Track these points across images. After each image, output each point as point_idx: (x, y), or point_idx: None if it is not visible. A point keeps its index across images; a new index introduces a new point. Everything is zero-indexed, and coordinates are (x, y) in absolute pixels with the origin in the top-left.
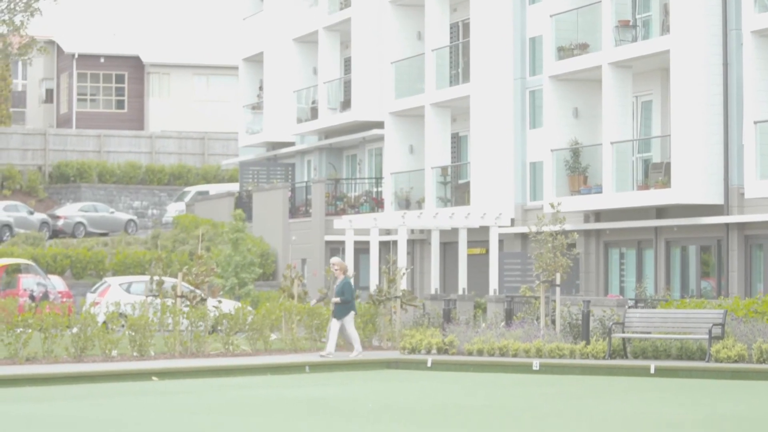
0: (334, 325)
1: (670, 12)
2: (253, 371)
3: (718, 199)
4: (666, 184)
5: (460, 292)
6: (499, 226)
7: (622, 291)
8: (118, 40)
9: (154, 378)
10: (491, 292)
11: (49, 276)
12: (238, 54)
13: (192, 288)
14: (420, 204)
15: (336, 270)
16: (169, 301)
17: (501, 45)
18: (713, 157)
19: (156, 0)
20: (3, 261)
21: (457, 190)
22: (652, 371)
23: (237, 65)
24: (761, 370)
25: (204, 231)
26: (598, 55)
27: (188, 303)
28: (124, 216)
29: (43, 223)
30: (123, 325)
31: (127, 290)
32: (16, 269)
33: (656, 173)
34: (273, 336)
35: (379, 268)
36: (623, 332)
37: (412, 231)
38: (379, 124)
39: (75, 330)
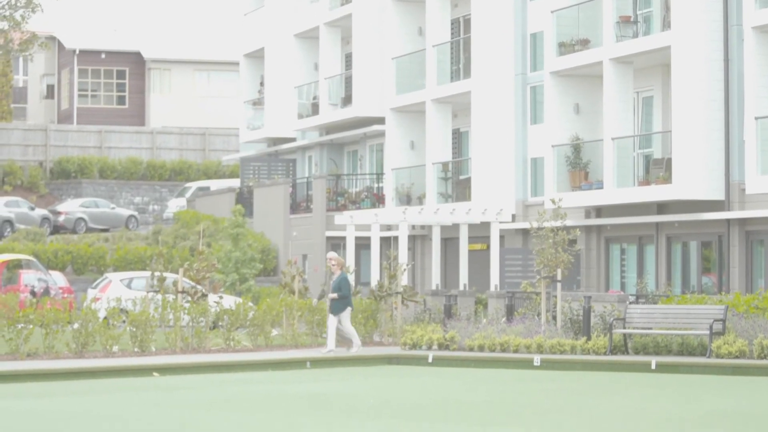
0: (332, 320)
1: (671, 8)
2: (254, 367)
3: (719, 195)
4: (667, 179)
5: (461, 287)
6: (500, 222)
7: (623, 287)
8: (119, 35)
9: (155, 374)
10: (492, 288)
11: (50, 272)
12: (239, 50)
13: (193, 284)
14: (421, 200)
15: (333, 265)
16: (170, 297)
17: (502, 41)
18: (714, 152)
19: None
20: (4, 257)
21: (458, 186)
22: (653, 367)
23: (238, 61)
24: (762, 365)
25: (205, 227)
26: (599, 50)
27: (189, 299)
28: (125, 212)
29: (44, 218)
30: (124, 321)
31: (128, 286)
32: (17, 265)
33: (657, 169)
34: (274, 332)
35: (380, 264)
36: (624, 328)
37: (413, 227)
38: (380, 120)
39: (76, 326)
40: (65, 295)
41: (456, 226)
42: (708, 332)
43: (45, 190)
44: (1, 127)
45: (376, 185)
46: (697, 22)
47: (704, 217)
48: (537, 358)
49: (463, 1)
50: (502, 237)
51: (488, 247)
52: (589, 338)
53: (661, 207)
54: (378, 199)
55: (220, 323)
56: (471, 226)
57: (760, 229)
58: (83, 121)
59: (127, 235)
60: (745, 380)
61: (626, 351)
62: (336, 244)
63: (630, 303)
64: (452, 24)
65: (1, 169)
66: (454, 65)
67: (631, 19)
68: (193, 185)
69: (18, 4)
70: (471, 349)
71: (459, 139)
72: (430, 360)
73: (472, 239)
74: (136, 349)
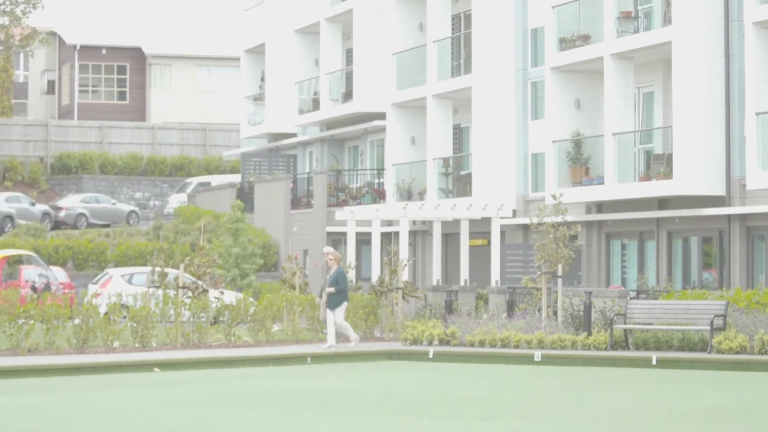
0: (329, 315)
1: (672, 3)
2: (255, 362)
3: (719, 191)
4: (668, 175)
5: (462, 283)
6: (501, 218)
7: (623, 282)
8: (119, 31)
9: (155, 369)
10: (493, 284)
11: (51, 267)
12: (240, 45)
13: (194, 279)
14: (422, 195)
15: (331, 260)
16: (171, 293)
17: (503, 36)
18: (715, 148)
19: None
20: (5, 252)
21: (458, 182)
22: (654, 362)
23: (239, 56)
24: (763, 361)
25: (206, 222)
26: (600, 46)
27: (190, 294)
28: (125, 207)
29: (45, 214)
30: (125, 317)
31: (129, 281)
32: (18, 260)
33: (658, 164)
34: (275, 327)
35: (381, 260)
36: (625, 323)
37: (414, 222)
38: (381, 116)
39: (77, 321)
40: (66, 291)
41: (457, 222)
42: (709, 328)
43: (46, 185)
44: (2, 123)
45: (376, 181)
46: (698, 18)
47: (705, 212)
48: (538, 354)
49: None
50: (502, 232)
51: (489, 242)
52: (589, 334)
53: (662, 202)
54: (379, 195)
55: (220, 319)
56: (472, 222)
57: (760, 224)
58: (84, 117)
59: (128, 231)
60: (745, 376)
61: (627, 346)
62: (337, 239)
63: (631, 298)
64: (453, 19)
65: (2, 165)
66: (454, 61)
67: (632, 15)
68: (194, 181)
69: (19, 0)
70: (472, 345)
71: (460, 134)
72: (430, 355)
73: (472, 235)
74: (136, 345)
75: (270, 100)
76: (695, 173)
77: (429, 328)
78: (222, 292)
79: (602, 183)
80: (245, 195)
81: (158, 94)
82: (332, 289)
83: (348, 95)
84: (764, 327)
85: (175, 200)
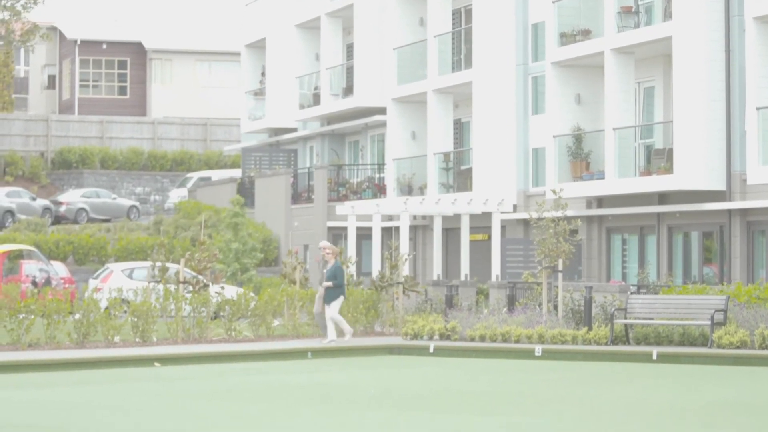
0: (327, 310)
1: None
2: (256, 357)
3: (720, 185)
4: (668, 170)
5: (463, 278)
6: (502, 212)
7: (624, 277)
8: (120, 26)
9: (156, 364)
10: (493, 278)
11: (52, 262)
12: (241, 40)
13: (194, 274)
14: (422, 190)
15: (328, 254)
16: (172, 287)
17: (503, 31)
18: (715, 143)
19: None
20: (5, 247)
21: (459, 176)
22: (655, 357)
23: (239, 51)
24: (763, 356)
25: (206, 217)
26: (601, 41)
27: (191, 289)
28: (126, 202)
29: (46, 209)
30: (125, 311)
31: (130, 276)
32: (19, 255)
33: (658, 159)
34: (275, 322)
35: (382, 254)
36: (625, 318)
37: (415, 217)
38: (382, 110)
39: (77, 316)
40: (66, 286)
41: (457, 217)
42: (709, 322)
43: (46, 180)
44: (3, 118)
45: (377, 175)
46: (699, 13)
47: (705, 207)
48: (538, 349)
49: None
50: (503, 227)
51: (489, 237)
52: (590, 328)
53: (663, 197)
54: (379, 190)
55: (221, 313)
56: (472, 217)
57: (761, 219)
58: (84, 112)
59: (129, 226)
60: (746, 370)
61: (627, 341)
62: (337, 234)
63: (631, 293)
64: (453, 14)
65: (3, 160)
66: (455, 55)
67: (633, 10)
68: (195, 175)
69: None
70: (472, 340)
71: (460, 129)
72: (431, 350)
73: (473, 229)
74: (137, 340)
75: (270, 94)
76: (696, 168)
77: (429, 323)
78: (222, 287)
79: (603, 178)
80: (246, 190)
81: (159, 89)
82: (330, 283)
83: (348, 90)
84: (765, 322)
85: (176, 195)
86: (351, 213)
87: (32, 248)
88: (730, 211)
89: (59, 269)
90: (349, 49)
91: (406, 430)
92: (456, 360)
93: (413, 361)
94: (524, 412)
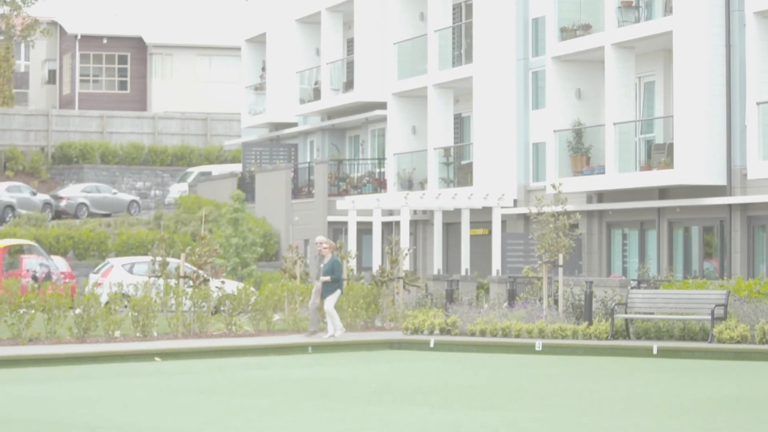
0: (324, 304)
1: None
2: (256, 352)
3: (720, 180)
4: (669, 164)
5: (463, 272)
6: (502, 207)
7: (624, 272)
8: (120, 20)
9: (157, 358)
10: (494, 273)
11: (52, 257)
12: (241, 35)
13: (195, 268)
14: (423, 185)
15: (325, 248)
16: (172, 282)
17: (504, 26)
18: (716, 137)
19: None
20: (6, 242)
21: (459, 171)
22: (655, 352)
23: (240, 46)
24: (763, 350)
25: (207, 212)
26: (601, 35)
27: (191, 284)
28: (126, 197)
29: (46, 203)
30: (126, 306)
31: (130, 271)
32: (19, 250)
33: (659, 154)
34: (276, 317)
35: (382, 249)
36: (626, 313)
37: (415, 212)
38: (382, 105)
39: (78, 311)
40: (67, 280)
41: (458, 211)
42: (710, 317)
43: (47, 175)
44: (3, 113)
45: (377, 170)
46: (699, 7)
47: (706, 202)
48: (539, 343)
49: None
50: (503, 222)
51: (490, 232)
52: (590, 323)
53: (663, 192)
54: (380, 184)
55: (221, 308)
56: (473, 211)
57: (761, 214)
58: (85, 107)
59: (129, 221)
60: (746, 365)
61: (628, 336)
62: (338, 229)
63: (632, 288)
64: (454, 9)
65: (3, 155)
66: (455, 50)
67: (633, 4)
68: (195, 170)
69: None
70: (473, 334)
71: (461, 124)
72: (431, 345)
73: (473, 224)
74: (137, 334)
75: (271, 89)
76: (696, 163)
77: (430, 318)
78: (223, 282)
79: (603, 172)
80: (246, 184)
81: (159, 84)
82: (328, 278)
83: (349, 85)
84: (765, 316)
85: (176, 190)
86: (351, 208)
87: (33, 243)
88: (730, 206)
89: (60, 264)
90: (350, 44)
91: (407, 424)
92: (456, 355)
93: (413, 356)
94: (525, 407)
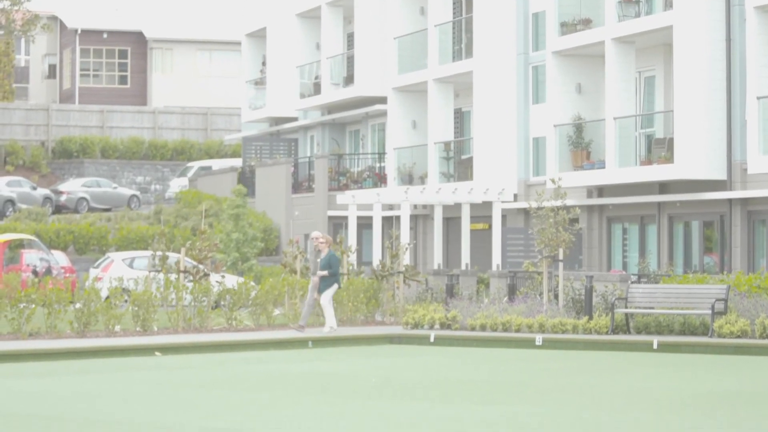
0: (320, 298)
1: None
2: (256, 346)
3: (721, 175)
4: (669, 159)
5: (463, 267)
6: (502, 202)
7: (625, 266)
8: (120, 15)
9: (157, 353)
10: (494, 268)
11: (52, 251)
12: (241, 29)
13: (195, 263)
14: (423, 179)
15: (322, 243)
16: (173, 276)
17: (504, 20)
18: (716, 132)
19: None
20: (6, 236)
21: (460, 166)
22: (655, 346)
23: (240, 41)
24: (764, 345)
25: (207, 206)
26: (601, 30)
27: (191, 278)
28: (127, 191)
29: (46, 198)
30: (126, 301)
31: (130, 265)
32: (19, 245)
33: (659, 149)
34: (276, 311)
35: (382, 244)
36: (626, 307)
37: (415, 206)
38: (382, 100)
39: (78, 305)
40: (67, 275)
41: (458, 206)
42: (710, 312)
43: (47, 169)
44: (3, 107)
45: (378, 165)
46: (699, 2)
47: (706, 196)
48: (539, 338)
49: None
50: (503, 216)
51: (490, 226)
52: (590, 318)
53: (663, 186)
54: (380, 179)
55: (222, 303)
56: (473, 206)
57: (761, 208)
58: (85, 101)
59: (129, 215)
60: (746, 360)
61: (628, 330)
62: (338, 223)
63: (632, 282)
64: (454, 3)
65: (3, 149)
66: (456, 45)
67: None
68: (195, 165)
69: None
70: (473, 329)
71: (461, 118)
72: (431, 339)
73: (474, 219)
74: (138, 329)
75: (271, 84)
76: (696, 157)
77: (430, 312)
78: (223, 276)
79: (603, 167)
80: (246, 179)
81: (159, 78)
82: (325, 272)
83: (349, 79)
84: (765, 311)
85: (176, 184)
86: (351, 202)
87: (33, 237)
88: (730, 201)
89: (60, 258)
90: (350, 39)
91: (407, 419)
92: (456, 349)
93: (414, 351)
94: (525, 401)
